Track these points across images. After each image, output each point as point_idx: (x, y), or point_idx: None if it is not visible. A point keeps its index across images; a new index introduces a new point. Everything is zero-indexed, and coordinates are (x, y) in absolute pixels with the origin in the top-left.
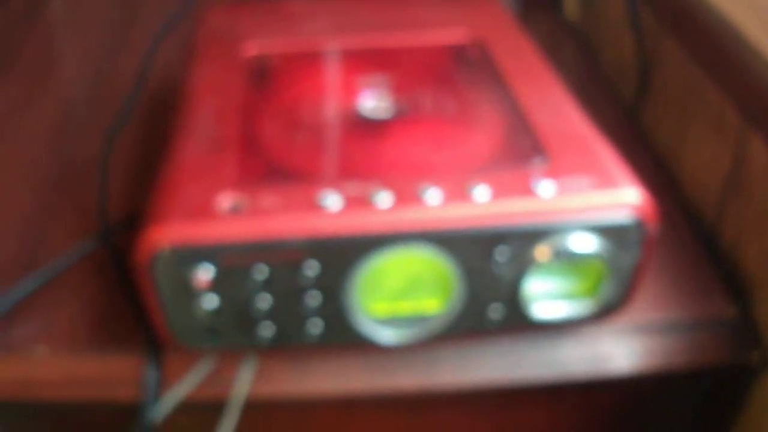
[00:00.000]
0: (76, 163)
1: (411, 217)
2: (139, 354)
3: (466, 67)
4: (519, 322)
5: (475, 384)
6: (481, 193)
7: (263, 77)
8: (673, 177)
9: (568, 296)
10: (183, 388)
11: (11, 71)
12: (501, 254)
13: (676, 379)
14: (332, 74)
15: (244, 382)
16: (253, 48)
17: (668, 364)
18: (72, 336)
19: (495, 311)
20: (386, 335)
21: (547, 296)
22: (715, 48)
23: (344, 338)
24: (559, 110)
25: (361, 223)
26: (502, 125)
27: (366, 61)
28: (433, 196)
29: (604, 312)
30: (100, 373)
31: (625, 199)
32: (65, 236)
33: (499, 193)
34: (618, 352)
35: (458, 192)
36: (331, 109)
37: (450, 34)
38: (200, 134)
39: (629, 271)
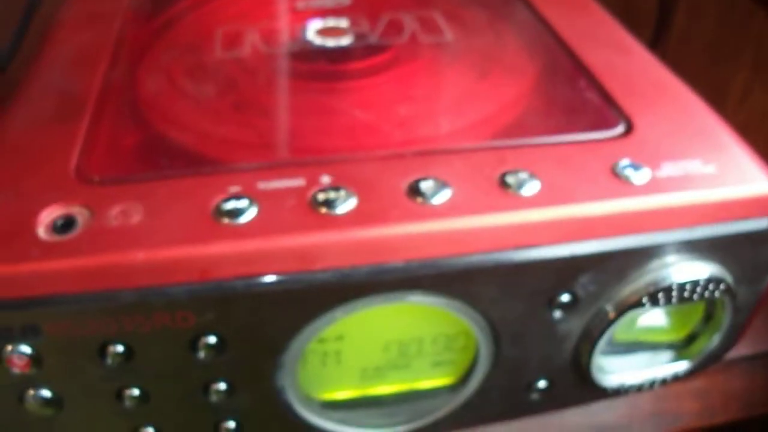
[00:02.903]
0: None
1: (400, 236)
2: None
3: None
4: (576, 399)
5: None
6: (531, 188)
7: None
8: None
9: (654, 350)
10: None
11: None
12: (569, 295)
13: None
14: None
15: None
16: None
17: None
18: None
19: (539, 388)
20: None
21: (622, 357)
22: None
23: None
24: (625, 52)
25: (306, 250)
26: (539, 68)
27: None
28: (441, 197)
29: (698, 368)
30: None
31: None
32: None
33: (560, 188)
34: (687, 407)
35: (487, 188)
36: (259, 43)
37: None
38: (44, 92)
39: (751, 304)
